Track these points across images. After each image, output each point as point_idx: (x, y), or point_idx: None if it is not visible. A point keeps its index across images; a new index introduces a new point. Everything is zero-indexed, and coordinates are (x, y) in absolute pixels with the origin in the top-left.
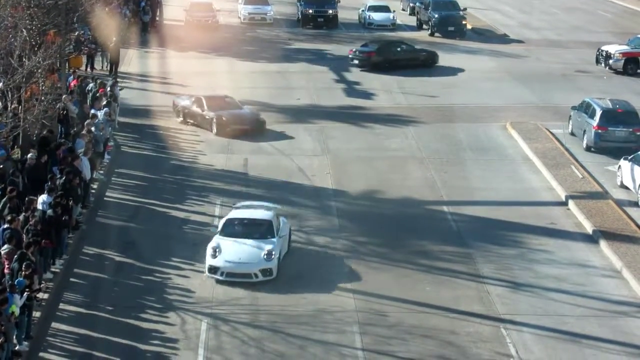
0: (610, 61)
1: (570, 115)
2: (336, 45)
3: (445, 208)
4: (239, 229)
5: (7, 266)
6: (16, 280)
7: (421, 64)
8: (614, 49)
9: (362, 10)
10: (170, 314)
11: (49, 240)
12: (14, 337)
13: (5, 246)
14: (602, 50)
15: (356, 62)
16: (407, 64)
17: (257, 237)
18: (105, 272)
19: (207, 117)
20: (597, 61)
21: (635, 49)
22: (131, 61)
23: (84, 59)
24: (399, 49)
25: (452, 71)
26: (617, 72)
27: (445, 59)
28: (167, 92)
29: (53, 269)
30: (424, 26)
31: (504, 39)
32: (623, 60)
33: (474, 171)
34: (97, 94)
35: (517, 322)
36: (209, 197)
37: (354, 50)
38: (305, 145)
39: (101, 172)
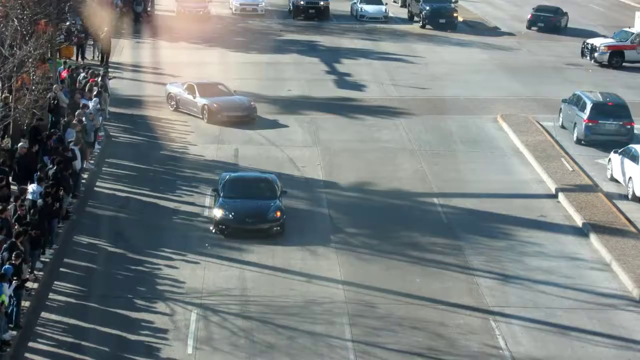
0: (596, 54)
1: (560, 108)
2: (327, 37)
3: (435, 200)
4: None
5: None
6: (3, 268)
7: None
8: (599, 42)
9: (354, 3)
10: (160, 304)
11: (39, 231)
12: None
13: None
14: (588, 43)
15: (541, 24)
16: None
17: None
18: (95, 262)
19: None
20: (583, 54)
21: (620, 42)
22: (122, 51)
23: (74, 48)
24: (562, 14)
25: (443, 63)
26: (602, 65)
27: (436, 51)
28: (159, 82)
29: (43, 259)
30: (415, 18)
31: (495, 32)
32: (608, 54)
33: (465, 163)
34: (88, 84)
35: (506, 314)
36: (200, 187)
37: (534, 13)
38: (296, 136)
39: (92, 162)
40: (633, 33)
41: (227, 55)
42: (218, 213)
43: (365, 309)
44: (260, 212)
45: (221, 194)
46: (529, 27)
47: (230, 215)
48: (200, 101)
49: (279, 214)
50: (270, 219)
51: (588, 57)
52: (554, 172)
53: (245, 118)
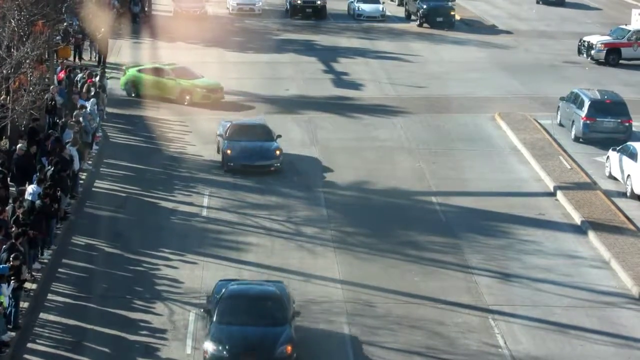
0: (592, 52)
1: (558, 106)
2: (324, 36)
3: (433, 198)
4: None
5: None
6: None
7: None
8: (596, 39)
9: (352, 2)
10: (158, 304)
11: (38, 232)
12: None
13: None
14: (584, 41)
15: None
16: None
17: None
18: (94, 262)
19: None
20: (579, 52)
21: (617, 39)
22: (120, 51)
23: (72, 49)
24: None
25: (441, 62)
26: (598, 62)
27: (433, 50)
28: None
29: (41, 260)
30: (413, 17)
31: (492, 30)
32: (605, 51)
33: (463, 162)
34: (86, 85)
35: (505, 312)
36: (197, 187)
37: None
38: (294, 136)
39: (89, 162)
40: (630, 30)
41: (225, 55)
42: (209, 347)
43: (364, 308)
44: (265, 346)
45: (214, 317)
46: (538, 2)
47: (225, 352)
48: (223, 143)
49: (290, 349)
50: (278, 356)
51: (585, 55)
52: (552, 170)
53: (262, 169)
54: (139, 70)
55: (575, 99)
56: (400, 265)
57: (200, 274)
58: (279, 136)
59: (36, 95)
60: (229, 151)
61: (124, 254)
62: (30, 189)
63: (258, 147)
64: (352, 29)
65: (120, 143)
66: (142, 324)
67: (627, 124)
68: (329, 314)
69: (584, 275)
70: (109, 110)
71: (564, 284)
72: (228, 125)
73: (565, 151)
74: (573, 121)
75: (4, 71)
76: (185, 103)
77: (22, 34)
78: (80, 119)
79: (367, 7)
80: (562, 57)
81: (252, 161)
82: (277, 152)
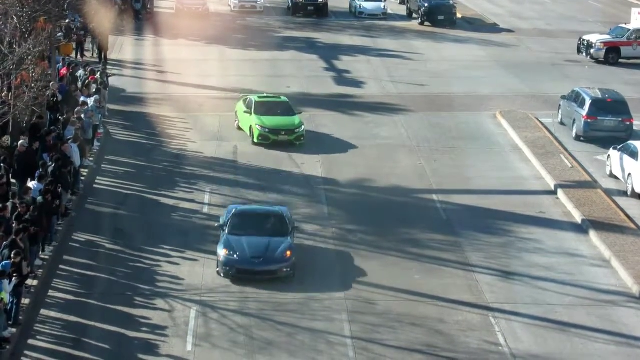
0: (592, 50)
1: (559, 105)
2: (326, 34)
3: (434, 196)
4: None
5: None
6: (1, 264)
7: None
8: (596, 38)
9: None
10: (159, 301)
11: (39, 228)
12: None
13: None
14: (584, 40)
15: None
16: None
17: None
18: (95, 259)
19: None
20: (579, 50)
21: (616, 38)
22: (121, 48)
23: (73, 46)
24: None
25: (442, 60)
26: (598, 61)
27: (434, 48)
28: (158, 80)
29: (42, 256)
30: (414, 15)
31: (494, 28)
32: (604, 50)
33: (464, 160)
34: (87, 81)
35: (506, 310)
36: (199, 184)
37: None
38: None
39: (91, 159)
40: (629, 29)
41: (226, 53)
42: None
43: (365, 305)
44: None
45: None
46: None
47: None
48: (221, 238)
49: None
50: None
51: (584, 54)
52: (553, 169)
53: (266, 275)
54: (244, 100)
55: (576, 98)
56: (401, 263)
57: (200, 271)
58: (295, 228)
59: (38, 92)
60: (224, 251)
61: (125, 251)
62: (32, 185)
63: (263, 247)
64: (353, 27)
65: (121, 140)
66: (142, 320)
67: (628, 123)
68: (330, 312)
69: (584, 274)
70: (111, 106)
71: (565, 282)
72: (232, 212)
73: (566, 150)
74: (574, 120)
75: (6, 67)
76: (251, 142)
77: (24, 30)
78: (82, 115)
79: (368, 5)
80: (563, 55)
81: (253, 266)
82: (288, 254)
